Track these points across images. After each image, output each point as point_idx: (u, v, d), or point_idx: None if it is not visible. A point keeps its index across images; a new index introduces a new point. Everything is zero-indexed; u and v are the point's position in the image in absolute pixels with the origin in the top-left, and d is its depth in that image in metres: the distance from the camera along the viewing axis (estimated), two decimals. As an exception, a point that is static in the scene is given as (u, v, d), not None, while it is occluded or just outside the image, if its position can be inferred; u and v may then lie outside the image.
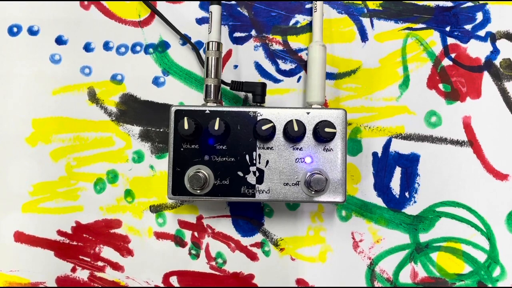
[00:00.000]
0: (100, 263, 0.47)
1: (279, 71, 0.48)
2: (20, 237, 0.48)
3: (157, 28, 0.49)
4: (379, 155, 0.47)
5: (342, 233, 0.47)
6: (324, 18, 0.48)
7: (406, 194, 0.47)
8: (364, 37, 0.49)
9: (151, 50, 0.49)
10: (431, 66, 0.48)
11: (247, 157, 0.42)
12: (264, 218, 0.48)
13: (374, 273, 0.47)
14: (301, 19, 0.49)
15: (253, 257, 0.47)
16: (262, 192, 0.42)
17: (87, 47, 0.49)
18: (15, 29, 0.49)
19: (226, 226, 0.47)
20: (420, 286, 0.47)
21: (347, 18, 0.49)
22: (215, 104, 0.43)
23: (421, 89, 0.48)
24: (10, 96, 0.49)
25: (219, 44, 0.44)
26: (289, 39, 0.49)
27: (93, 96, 0.48)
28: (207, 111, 0.42)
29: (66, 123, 0.48)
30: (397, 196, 0.47)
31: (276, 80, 0.48)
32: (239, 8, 0.49)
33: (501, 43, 0.48)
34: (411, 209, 0.47)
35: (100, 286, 0.47)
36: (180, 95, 0.48)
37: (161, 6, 0.49)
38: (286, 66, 0.49)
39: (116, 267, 0.47)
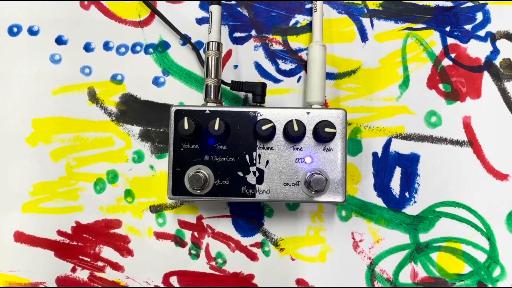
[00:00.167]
0: (100, 263, 0.47)
1: (279, 71, 0.48)
2: (20, 237, 0.48)
3: (157, 28, 0.49)
4: (379, 155, 0.47)
5: (342, 233, 0.47)
6: (324, 18, 0.48)
7: (406, 194, 0.47)
8: (364, 37, 0.49)
9: (151, 50, 0.49)
10: (431, 66, 0.48)
11: (247, 157, 0.42)
12: (264, 218, 0.48)
13: (374, 273, 0.47)
14: (301, 19, 0.49)
15: (253, 257, 0.47)
16: (262, 192, 0.42)
17: (87, 47, 0.49)
18: (15, 29, 0.49)
19: (226, 226, 0.47)
20: (420, 286, 0.47)
21: (347, 18, 0.49)
22: (215, 104, 0.43)
23: (421, 89, 0.48)
24: (10, 96, 0.49)
25: (219, 44, 0.44)
26: (289, 39, 0.49)
27: (93, 96, 0.48)
28: (207, 111, 0.42)
29: (66, 123, 0.48)
30: (397, 196, 0.47)
31: (276, 80, 0.48)
32: (239, 8, 0.49)
33: (501, 43, 0.48)
34: (411, 209, 0.47)
35: (100, 286, 0.47)
36: (180, 95, 0.48)
37: (161, 6, 0.49)
38: (286, 66, 0.49)
39: (116, 267, 0.47)
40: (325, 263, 0.47)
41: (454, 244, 0.47)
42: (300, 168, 0.42)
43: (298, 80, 0.48)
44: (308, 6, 0.49)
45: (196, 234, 0.47)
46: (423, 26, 0.48)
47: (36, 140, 0.48)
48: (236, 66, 0.49)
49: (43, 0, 0.49)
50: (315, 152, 0.42)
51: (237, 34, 0.49)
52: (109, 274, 0.47)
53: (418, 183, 0.47)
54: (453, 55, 0.48)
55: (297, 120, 0.41)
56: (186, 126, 0.40)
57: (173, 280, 0.47)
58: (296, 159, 0.42)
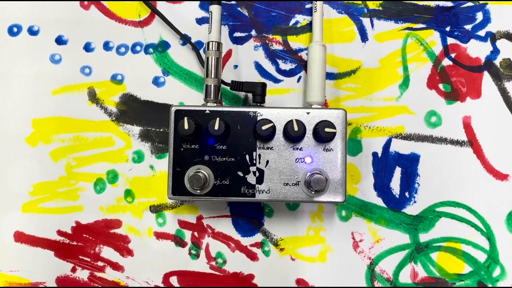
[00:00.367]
0: (100, 263, 0.47)
1: (279, 71, 0.48)
2: (20, 237, 0.48)
3: (157, 28, 0.49)
4: (379, 155, 0.47)
5: (342, 233, 0.47)
6: (324, 18, 0.48)
7: (406, 194, 0.47)
8: (364, 37, 0.49)
9: (151, 50, 0.49)
10: (431, 66, 0.48)
11: (247, 157, 0.42)
12: (264, 218, 0.48)
13: (374, 273, 0.47)
14: (301, 19, 0.49)
15: (253, 257, 0.47)
16: (262, 192, 0.42)
17: (87, 47, 0.49)
18: (15, 29, 0.49)
19: (226, 226, 0.47)
20: (420, 286, 0.47)
21: (347, 18, 0.49)
22: (215, 104, 0.43)
23: (421, 89, 0.48)
24: (10, 96, 0.49)
25: (219, 44, 0.44)
26: (289, 39, 0.49)
27: (93, 96, 0.48)
28: (207, 111, 0.42)
29: (66, 123, 0.48)
30: (397, 196, 0.47)
31: (276, 80, 0.48)
32: (239, 8, 0.49)
33: (501, 43, 0.48)
34: (411, 209, 0.47)
35: (100, 286, 0.47)
36: (180, 95, 0.48)
37: (161, 6, 0.49)
38: (286, 66, 0.49)
39: (116, 267, 0.47)
40: (325, 263, 0.47)
41: (454, 244, 0.47)
42: (300, 168, 0.42)
43: (298, 80, 0.48)
44: (308, 6, 0.49)
45: (196, 234, 0.47)
46: (423, 26, 0.48)
47: (36, 140, 0.48)
48: (236, 66, 0.49)
49: (43, 0, 0.49)
50: (315, 152, 0.42)
51: (237, 34, 0.49)
52: (109, 274, 0.47)
53: (418, 183, 0.47)
54: (453, 55, 0.48)
55: (297, 120, 0.41)
56: (186, 126, 0.40)
57: (173, 280, 0.47)
58: (296, 159, 0.42)
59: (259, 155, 0.42)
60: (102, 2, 0.49)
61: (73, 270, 0.47)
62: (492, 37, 0.48)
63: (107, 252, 0.47)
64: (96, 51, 0.49)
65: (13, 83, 0.49)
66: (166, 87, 0.48)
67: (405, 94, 0.48)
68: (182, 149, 0.42)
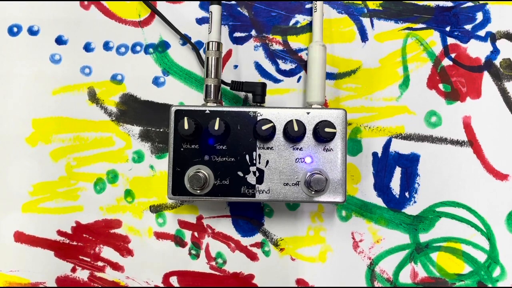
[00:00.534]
0: (100, 263, 0.47)
1: (279, 71, 0.48)
2: (20, 237, 0.48)
3: (157, 28, 0.49)
4: (379, 155, 0.47)
5: (342, 233, 0.47)
6: (324, 18, 0.48)
7: (406, 194, 0.47)
8: (364, 37, 0.49)
9: (151, 50, 0.49)
10: (431, 66, 0.48)
11: (247, 157, 0.42)
12: (264, 218, 0.48)
13: (374, 273, 0.47)
14: (301, 19, 0.49)
15: (253, 257, 0.47)
16: (262, 192, 0.42)
17: (87, 47, 0.49)
18: (15, 29, 0.49)
19: (226, 226, 0.47)
20: (420, 286, 0.47)
21: (347, 18, 0.49)
22: (215, 104, 0.43)
23: (421, 89, 0.48)
24: (10, 96, 0.49)
25: (219, 44, 0.44)
26: (289, 39, 0.49)
27: (93, 96, 0.48)
28: (207, 111, 0.42)
29: (66, 123, 0.48)
30: (397, 196, 0.47)
31: (276, 80, 0.48)
32: (239, 8, 0.49)
33: (501, 43, 0.48)
34: (411, 209, 0.47)
35: (100, 286, 0.47)
36: (180, 95, 0.48)
37: (161, 6, 0.49)
38: (286, 66, 0.49)
39: (116, 267, 0.47)
40: (325, 263, 0.47)
41: (454, 244, 0.47)
42: (300, 168, 0.42)
43: (298, 80, 0.48)
44: (308, 6, 0.49)
45: (196, 234, 0.47)
46: (423, 26, 0.48)
47: (36, 140, 0.48)
48: (236, 66, 0.49)
49: (43, 0, 0.49)
50: (315, 152, 0.42)
51: (237, 34, 0.49)
52: (109, 274, 0.47)
53: (418, 183, 0.47)
54: (453, 55, 0.48)
55: (297, 120, 0.41)
56: (186, 126, 0.40)
57: (173, 280, 0.47)
58: (296, 159, 0.42)
59: (259, 155, 0.42)
60: (102, 2, 0.49)
61: (73, 270, 0.47)
62: (492, 37, 0.48)
63: (107, 252, 0.47)
64: (96, 51, 0.49)
65: (13, 83, 0.49)
66: (166, 87, 0.48)
67: (405, 94, 0.48)
68: (182, 149, 0.42)
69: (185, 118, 0.40)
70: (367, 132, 0.48)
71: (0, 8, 0.49)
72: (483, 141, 0.47)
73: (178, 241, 0.47)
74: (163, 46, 0.49)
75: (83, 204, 0.48)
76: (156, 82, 0.49)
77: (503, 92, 0.48)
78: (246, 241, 0.47)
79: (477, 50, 0.48)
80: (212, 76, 0.43)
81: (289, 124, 0.41)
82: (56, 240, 0.48)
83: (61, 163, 0.48)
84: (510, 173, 0.47)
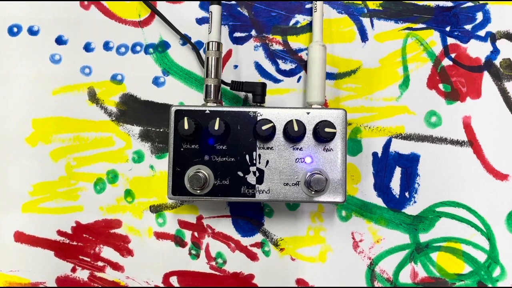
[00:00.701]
0: (100, 263, 0.47)
1: (279, 71, 0.48)
2: (20, 237, 0.48)
3: (157, 28, 0.49)
4: (379, 155, 0.47)
5: (342, 233, 0.47)
6: (324, 18, 0.48)
7: (406, 194, 0.47)
8: (364, 37, 0.49)
9: (151, 50, 0.49)
10: (431, 66, 0.48)
11: (247, 157, 0.42)
12: (264, 218, 0.48)
13: (374, 273, 0.47)
14: (301, 19, 0.49)
15: (253, 257, 0.47)
16: (262, 192, 0.42)
17: (87, 47, 0.49)
18: (15, 29, 0.49)
19: (226, 226, 0.47)
20: (420, 286, 0.47)
21: (347, 18, 0.49)
22: (215, 104, 0.43)
23: (421, 89, 0.48)
24: (10, 96, 0.49)
25: (219, 44, 0.44)
26: (289, 39, 0.49)
27: (93, 96, 0.48)
28: (207, 111, 0.42)
29: (66, 123, 0.48)
30: (397, 196, 0.47)
31: (276, 80, 0.48)
32: (239, 8, 0.49)
33: (501, 43, 0.48)
34: (411, 209, 0.47)
35: (100, 286, 0.47)
36: (180, 95, 0.48)
37: (161, 6, 0.49)
38: (286, 66, 0.49)
39: (116, 267, 0.47)
40: (325, 263, 0.47)
41: (454, 244, 0.47)
42: (300, 168, 0.42)
43: (298, 80, 0.48)
44: (308, 6, 0.49)
45: (196, 234, 0.47)
46: (423, 26, 0.48)
47: (36, 140, 0.48)
48: (236, 66, 0.49)
49: (43, 0, 0.49)
50: (315, 152, 0.42)
51: (237, 34, 0.49)
52: (109, 274, 0.47)
53: (418, 183, 0.47)
54: (453, 55, 0.48)
55: (297, 120, 0.41)
56: (186, 126, 0.40)
57: (173, 280, 0.47)
58: (296, 159, 0.42)
59: (259, 155, 0.42)
60: (102, 2, 0.49)
61: (73, 270, 0.47)
62: (492, 37, 0.48)
63: (107, 252, 0.47)
64: (96, 51, 0.49)
65: (13, 83, 0.49)
66: (166, 87, 0.48)
67: (405, 94, 0.48)
68: (182, 149, 0.42)
69: (185, 118, 0.40)
70: (367, 132, 0.48)
71: (0, 8, 0.49)
72: (483, 141, 0.47)
73: (178, 241, 0.47)
74: (163, 46, 0.49)
75: (83, 204, 0.48)
76: (156, 82, 0.49)
77: (503, 92, 0.48)
78: (246, 241, 0.47)
79: (477, 50, 0.48)
80: (212, 76, 0.43)
81: (289, 124, 0.41)
82: (56, 240, 0.48)
83: (61, 163, 0.48)
84: (510, 173, 0.47)
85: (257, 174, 0.42)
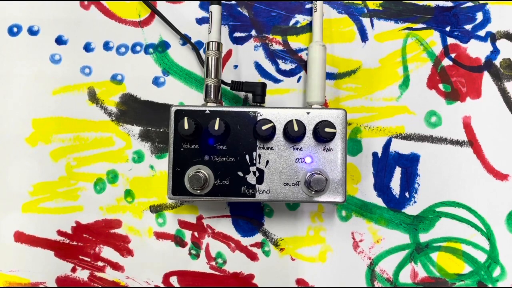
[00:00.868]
0: (100, 263, 0.47)
1: (279, 71, 0.48)
2: (20, 237, 0.48)
3: (157, 28, 0.49)
4: (379, 155, 0.47)
5: (342, 233, 0.47)
6: (324, 18, 0.48)
7: (406, 194, 0.47)
8: (364, 37, 0.49)
9: (151, 50, 0.49)
10: (431, 66, 0.48)
11: (247, 157, 0.42)
12: (264, 218, 0.48)
13: (374, 273, 0.47)
14: (301, 19, 0.49)
15: (253, 257, 0.47)
16: (262, 192, 0.42)
17: (87, 47, 0.49)
18: (15, 29, 0.49)
19: (226, 226, 0.47)
20: (420, 286, 0.47)
21: (347, 18, 0.49)
22: (215, 104, 0.43)
23: (421, 89, 0.48)
24: (10, 96, 0.49)
25: (219, 44, 0.44)
26: (289, 39, 0.49)
27: (93, 96, 0.48)
28: (207, 111, 0.42)
29: (66, 123, 0.48)
30: (397, 196, 0.47)
31: (276, 80, 0.48)
32: (239, 8, 0.49)
33: (501, 43, 0.48)
34: (411, 209, 0.47)
35: (100, 286, 0.47)
36: (180, 95, 0.48)
37: (161, 6, 0.49)
38: (286, 66, 0.49)
39: (116, 267, 0.47)
40: (325, 263, 0.47)
41: (454, 244, 0.47)
42: (300, 168, 0.42)
43: (298, 80, 0.48)
44: (308, 6, 0.49)
45: (196, 234, 0.47)
46: (423, 26, 0.48)
47: (36, 140, 0.48)
48: (236, 66, 0.49)
49: (43, 0, 0.49)
50: (315, 152, 0.42)
51: (237, 34, 0.49)
52: (109, 274, 0.47)
53: (418, 183, 0.47)
54: (453, 55, 0.48)
55: (297, 120, 0.41)
56: (186, 126, 0.40)
57: (173, 280, 0.47)
58: (296, 159, 0.42)
59: (259, 155, 0.42)
60: (102, 2, 0.49)
61: (73, 270, 0.47)
62: (492, 37, 0.48)
63: (107, 252, 0.47)
64: (96, 51, 0.49)
65: (13, 83, 0.49)
66: (166, 87, 0.48)
67: (405, 94, 0.48)
68: (182, 149, 0.42)
69: (185, 118, 0.40)
70: (367, 132, 0.48)
71: (0, 8, 0.49)
72: (483, 141, 0.47)
73: (178, 241, 0.47)
74: (163, 46, 0.49)
75: (83, 204, 0.48)
76: (156, 82, 0.49)
77: (503, 92, 0.48)
78: (246, 241, 0.47)
79: (477, 50, 0.48)
80: (212, 76, 0.43)
81: (289, 124, 0.41)
82: (56, 240, 0.48)
83: (61, 163, 0.48)
84: (510, 173, 0.47)
85: (257, 174, 0.42)
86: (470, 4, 0.49)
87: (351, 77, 0.48)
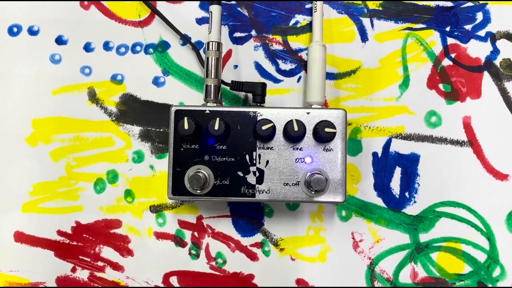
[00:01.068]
0: (100, 263, 0.47)
1: (279, 71, 0.48)
2: (20, 237, 0.48)
3: (157, 28, 0.49)
4: (379, 155, 0.47)
5: (342, 233, 0.47)
6: (324, 18, 0.48)
7: (406, 194, 0.47)
8: (364, 37, 0.49)
9: (151, 50, 0.49)
10: (431, 66, 0.48)
11: (247, 157, 0.42)
12: (264, 218, 0.48)
13: (374, 273, 0.47)
14: (301, 19, 0.49)
15: (253, 257, 0.47)
16: (262, 192, 0.42)
17: (87, 47, 0.49)
18: (15, 29, 0.49)
19: (226, 226, 0.47)
20: (420, 286, 0.47)
21: (347, 18, 0.49)
22: (215, 104, 0.43)
23: (421, 89, 0.48)
24: (10, 96, 0.49)
25: (219, 44, 0.44)
26: (289, 39, 0.49)
27: (93, 96, 0.48)
28: (207, 111, 0.42)
29: (66, 123, 0.48)
30: (397, 196, 0.47)
31: (276, 80, 0.48)
32: (239, 8, 0.49)
33: (501, 43, 0.48)
34: (411, 209, 0.47)
35: (100, 286, 0.47)
36: (180, 95, 0.48)
37: (161, 6, 0.49)
38: (286, 66, 0.49)
39: (116, 267, 0.47)
40: (325, 263, 0.47)
41: (454, 244, 0.47)
42: (300, 168, 0.42)
43: (298, 80, 0.48)
44: (308, 6, 0.49)
45: (196, 234, 0.47)
46: (423, 26, 0.48)
47: (36, 140, 0.48)
48: (236, 66, 0.49)
49: (43, 0, 0.49)
50: (315, 152, 0.42)
51: (237, 34, 0.49)
52: (109, 274, 0.47)
53: (418, 183, 0.47)
54: (453, 55, 0.48)
55: (297, 120, 0.41)
56: (186, 126, 0.40)
57: (173, 280, 0.47)
58: (296, 159, 0.42)
59: (259, 155, 0.42)
60: (102, 2, 0.49)
61: (73, 270, 0.47)
62: (492, 37, 0.48)
63: (107, 252, 0.47)
64: (96, 51, 0.49)
65: (13, 83, 0.49)
66: (166, 87, 0.48)
67: (405, 94, 0.48)
68: (182, 149, 0.42)
69: (185, 118, 0.40)
70: (367, 132, 0.48)
71: (0, 8, 0.49)
72: (483, 141, 0.47)
73: (178, 241, 0.47)
74: (163, 46, 0.49)
75: (83, 204, 0.48)
76: (156, 82, 0.49)
77: (503, 92, 0.48)
78: (246, 241, 0.47)
79: (477, 50, 0.48)
80: (212, 76, 0.43)
81: (289, 124, 0.41)
82: (56, 240, 0.48)
83: (61, 163, 0.48)
84: (510, 173, 0.47)
85: (257, 174, 0.42)
86: (470, 4, 0.49)
87: (351, 77, 0.48)
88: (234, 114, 0.42)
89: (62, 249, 0.47)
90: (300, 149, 0.42)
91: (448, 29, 0.48)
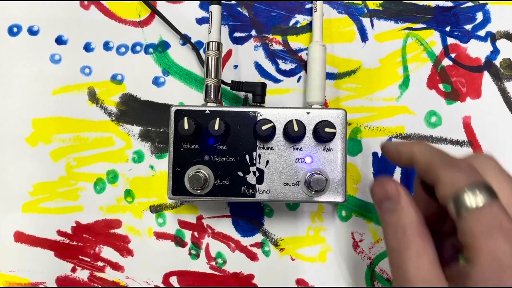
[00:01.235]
0: (100, 263, 0.47)
1: (279, 71, 0.48)
2: (20, 237, 0.48)
3: (157, 28, 0.49)
4: (379, 155, 0.47)
5: (342, 233, 0.47)
6: (324, 18, 0.48)
7: (406, 194, 0.47)
8: (364, 37, 0.49)
9: (151, 50, 0.49)
10: (431, 66, 0.48)
11: (247, 157, 0.42)
12: (264, 218, 0.48)
13: (374, 273, 0.47)
14: (301, 19, 0.49)
15: (253, 257, 0.47)
16: (262, 192, 0.42)
17: (87, 47, 0.49)
18: (15, 29, 0.49)
19: (226, 226, 0.47)
20: (420, 286, 0.47)
21: (347, 18, 0.49)
22: (215, 104, 0.43)
23: (421, 89, 0.48)
24: (10, 96, 0.49)
25: (219, 44, 0.44)
26: (289, 39, 0.49)
27: (93, 96, 0.48)
28: (207, 111, 0.42)
29: (66, 123, 0.48)
30: (397, 196, 0.47)
31: (276, 80, 0.48)
32: (239, 8, 0.49)
33: (501, 43, 0.48)
34: (411, 209, 0.47)
35: (100, 286, 0.47)
36: (180, 95, 0.48)
37: (161, 6, 0.49)
38: (286, 66, 0.49)
39: (116, 267, 0.47)
40: (325, 263, 0.47)
41: (454, 244, 0.47)
42: (300, 168, 0.42)
43: (298, 80, 0.48)
44: (308, 6, 0.49)
45: (196, 234, 0.47)
46: (423, 26, 0.48)
47: (36, 140, 0.48)
48: (236, 66, 0.49)
49: (43, 0, 0.49)
50: (315, 152, 0.42)
51: (237, 34, 0.49)
52: (109, 274, 0.47)
53: (418, 183, 0.47)
54: (453, 55, 0.48)
55: (297, 120, 0.41)
56: (186, 126, 0.40)
57: (173, 280, 0.47)
58: (296, 159, 0.42)
59: (259, 155, 0.42)
60: (102, 2, 0.49)
61: (73, 270, 0.47)
62: (492, 37, 0.48)
63: (107, 252, 0.47)
64: (96, 51, 0.49)
65: (13, 83, 0.49)
66: (166, 87, 0.48)
67: (405, 94, 0.48)
68: (182, 149, 0.42)
69: (185, 118, 0.40)
70: (367, 132, 0.48)
71: (0, 8, 0.49)
72: (483, 141, 0.47)
73: (178, 241, 0.47)
74: (163, 46, 0.49)
75: (83, 204, 0.48)
76: (156, 82, 0.49)
77: (503, 92, 0.48)
78: (246, 241, 0.47)
79: (477, 50, 0.48)
80: (212, 76, 0.43)
81: (289, 124, 0.41)
82: (56, 240, 0.48)
83: (61, 163, 0.48)
84: (510, 173, 0.47)
85: (257, 174, 0.42)
86: (470, 4, 0.49)
87: (351, 77, 0.48)
88: (234, 114, 0.42)
89: (62, 249, 0.47)
90: (300, 149, 0.42)
91: (448, 29, 0.48)
